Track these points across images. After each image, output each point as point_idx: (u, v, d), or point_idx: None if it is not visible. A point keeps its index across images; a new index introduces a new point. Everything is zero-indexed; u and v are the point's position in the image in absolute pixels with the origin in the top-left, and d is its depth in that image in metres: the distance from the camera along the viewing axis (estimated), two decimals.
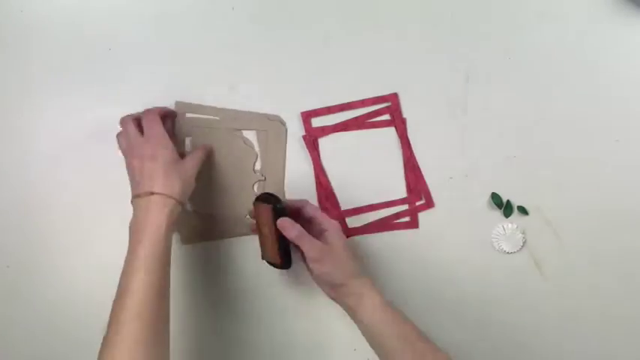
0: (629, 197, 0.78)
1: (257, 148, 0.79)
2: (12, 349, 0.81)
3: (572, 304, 0.79)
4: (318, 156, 0.79)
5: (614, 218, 0.78)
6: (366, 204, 0.79)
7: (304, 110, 0.79)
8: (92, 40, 0.79)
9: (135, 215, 0.64)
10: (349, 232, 0.79)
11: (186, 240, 0.80)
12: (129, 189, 0.68)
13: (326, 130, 0.79)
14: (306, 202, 0.72)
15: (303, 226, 0.68)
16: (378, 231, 0.79)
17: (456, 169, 0.79)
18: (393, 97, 0.79)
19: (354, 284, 0.66)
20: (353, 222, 0.79)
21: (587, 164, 0.78)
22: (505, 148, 0.78)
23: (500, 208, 0.79)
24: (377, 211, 0.79)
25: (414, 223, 0.79)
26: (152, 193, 0.63)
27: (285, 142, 0.79)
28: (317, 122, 0.79)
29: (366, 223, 0.80)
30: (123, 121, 0.70)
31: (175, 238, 0.79)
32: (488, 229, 0.79)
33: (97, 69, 0.80)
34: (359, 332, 0.68)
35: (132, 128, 0.68)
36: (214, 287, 0.80)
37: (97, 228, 0.80)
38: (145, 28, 0.79)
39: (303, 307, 0.80)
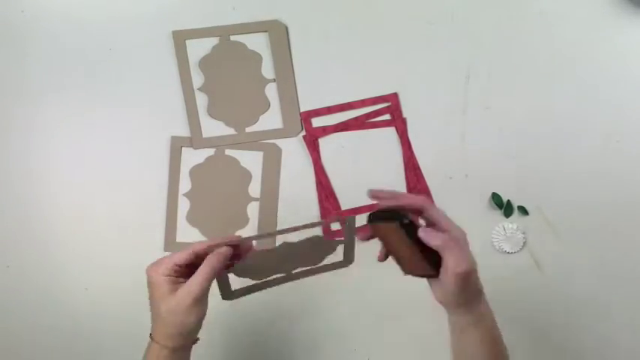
0: (629, 197, 0.78)
1: (253, 170, 0.80)
2: (12, 349, 0.81)
3: (572, 304, 0.79)
4: (319, 156, 0.79)
5: (614, 218, 0.78)
6: (366, 204, 0.79)
7: (304, 110, 0.79)
8: (92, 40, 0.80)
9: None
10: None
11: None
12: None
13: (326, 130, 0.79)
14: (424, 201, 0.59)
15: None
16: None
17: (456, 169, 0.79)
18: (393, 97, 0.79)
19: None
20: None
21: (588, 164, 0.78)
22: (505, 148, 0.78)
23: (501, 208, 0.78)
24: None
25: None
26: (151, 338, 0.58)
27: (280, 164, 0.80)
28: (317, 122, 0.79)
29: (366, 223, 0.79)
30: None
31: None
32: (488, 229, 0.79)
33: (97, 69, 0.80)
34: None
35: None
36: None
37: (97, 228, 0.80)
38: (145, 28, 0.79)
39: (304, 307, 0.80)
